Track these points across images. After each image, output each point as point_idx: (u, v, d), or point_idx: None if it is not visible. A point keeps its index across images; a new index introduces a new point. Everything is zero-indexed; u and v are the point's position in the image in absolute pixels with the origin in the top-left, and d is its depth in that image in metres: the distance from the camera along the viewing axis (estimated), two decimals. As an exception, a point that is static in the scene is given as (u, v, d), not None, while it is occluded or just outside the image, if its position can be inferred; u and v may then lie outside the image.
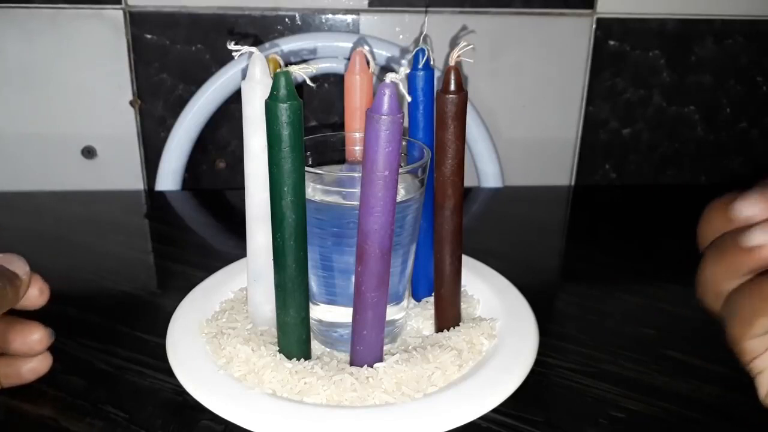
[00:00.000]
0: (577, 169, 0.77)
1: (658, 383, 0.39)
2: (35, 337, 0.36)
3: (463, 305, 0.43)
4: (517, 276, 0.48)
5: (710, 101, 0.75)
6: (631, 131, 0.76)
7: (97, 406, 0.36)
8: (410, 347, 0.40)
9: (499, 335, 0.41)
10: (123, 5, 0.66)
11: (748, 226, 0.26)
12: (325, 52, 0.67)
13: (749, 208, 0.26)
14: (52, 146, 0.71)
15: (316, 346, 0.41)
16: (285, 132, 0.32)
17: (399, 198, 0.35)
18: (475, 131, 0.70)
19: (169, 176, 0.70)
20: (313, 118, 0.72)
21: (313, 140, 0.41)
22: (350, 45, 0.66)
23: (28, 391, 0.37)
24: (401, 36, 0.69)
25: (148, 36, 0.68)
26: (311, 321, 0.39)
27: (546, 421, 0.36)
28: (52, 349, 0.37)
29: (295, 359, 0.38)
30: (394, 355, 0.38)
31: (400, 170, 0.33)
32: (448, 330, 0.41)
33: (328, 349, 0.41)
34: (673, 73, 0.74)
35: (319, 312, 0.41)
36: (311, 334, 0.39)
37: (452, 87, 0.36)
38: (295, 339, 0.38)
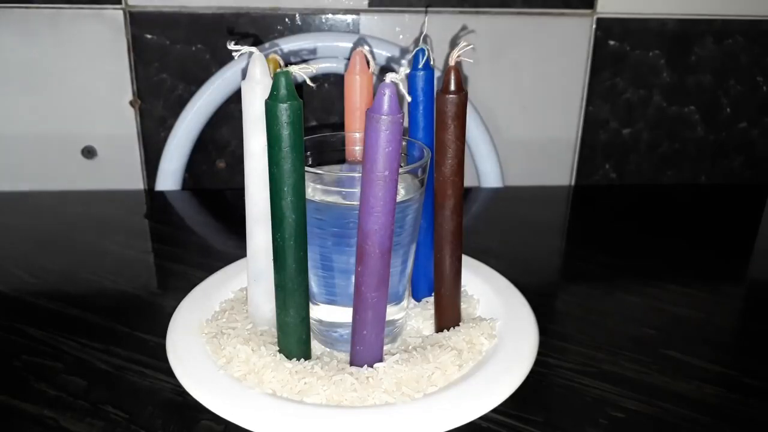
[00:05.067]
0: (577, 169, 0.77)
1: (658, 383, 0.39)
2: None
3: (463, 305, 0.43)
4: (517, 276, 0.48)
5: (710, 101, 0.75)
6: (631, 131, 0.76)
7: (97, 406, 0.36)
8: (410, 347, 0.40)
9: (499, 335, 0.41)
10: (123, 5, 0.66)
11: None
12: (325, 52, 0.67)
13: None
14: (52, 146, 0.71)
15: (316, 346, 0.41)
16: (285, 132, 0.32)
17: (399, 198, 0.35)
18: (475, 131, 0.70)
19: (169, 176, 0.69)
20: (313, 118, 0.72)
21: (313, 140, 0.41)
22: (350, 45, 0.66)
23: (28, 391, 0.37)
24: (401, 36, 0.69)
25: (148, 36, 0.68)
26: (311, 321, 0.39)
27: (546, 421, 0.36)
28: (52, 348, 0.37)
29: (295, 359, 0.38)
30: (394, 355, 0.38)
31: (400, 170, 0.33)
32: (448, 330, 0.41)
33: (328, 349, 0.41)
34: (673, 73, 0.74)
35: (319, 312, 0.41)
36: (311, 334, 0.39)
37: (452, 87, 0.36)
38: (295, 339, 0.38)
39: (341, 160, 0.42)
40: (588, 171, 0.77)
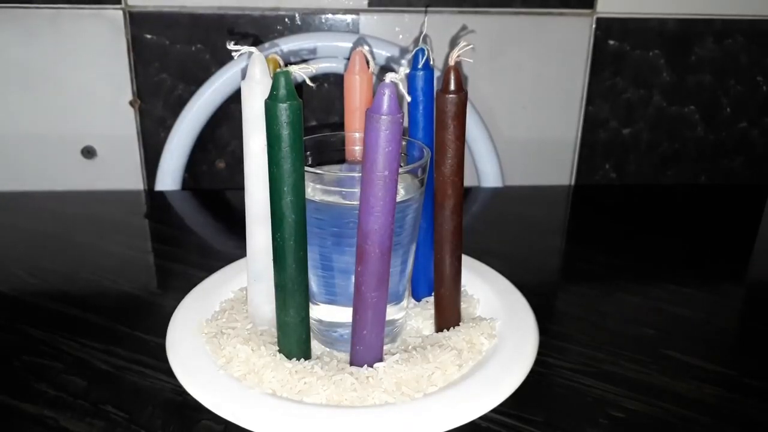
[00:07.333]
0: (577, 169, 0.77)
1: (658, 383, 0.39)
2: None
3: (463, 305, 0.43)
4: (517, 276, 0.48)
5: (710, 101, 0.75)
6: (631, 131, 0.76)
7: (97, 406, 0.36)
8: (410, 347, 0.40)
9: (499, 335, 0.41)
10: (123, 5, 0.66)
11: None
12: (325, 52, 0.67)
13: None
14: (52, 146, 0.71)
15: (316, 346, 0.41)
16: (285, 132, 0.32)
17: (399, 198, 0.35)
18: (475, 131, 0.70)
19: (169, 176, 0.69)
20: (313, 118, 0.72)
21: (313, 140, 0.41)
22: (350, 45, 0.66)
23: (28, 391, 0.37)
24: (401, 36, 0.69)
25: (148, 36, 0.68)
26: (311, 321, 0.39)
27: (546, 421, 0.36)
28: (52, 348, 0.37)
29: (295, 359, 0.38)
30: (394, 355, 0.38)
31: (400, 170, 0.33)
32: (448, 330, 0.41)
33: (328, 349, 0.41)
34: (673, 73, 0.74)
35: (319, 312, 0.41)
36: (311, 334, 0.39)
37: (452, 87, 0.36)
38: (295, 339, 0.38)
39: (341, 160, 0.42)
40: (588, 171, 0.77)
